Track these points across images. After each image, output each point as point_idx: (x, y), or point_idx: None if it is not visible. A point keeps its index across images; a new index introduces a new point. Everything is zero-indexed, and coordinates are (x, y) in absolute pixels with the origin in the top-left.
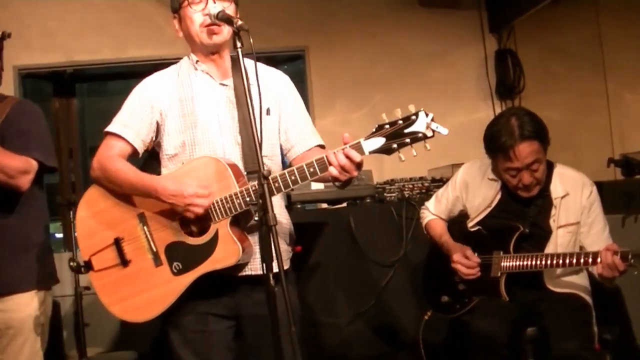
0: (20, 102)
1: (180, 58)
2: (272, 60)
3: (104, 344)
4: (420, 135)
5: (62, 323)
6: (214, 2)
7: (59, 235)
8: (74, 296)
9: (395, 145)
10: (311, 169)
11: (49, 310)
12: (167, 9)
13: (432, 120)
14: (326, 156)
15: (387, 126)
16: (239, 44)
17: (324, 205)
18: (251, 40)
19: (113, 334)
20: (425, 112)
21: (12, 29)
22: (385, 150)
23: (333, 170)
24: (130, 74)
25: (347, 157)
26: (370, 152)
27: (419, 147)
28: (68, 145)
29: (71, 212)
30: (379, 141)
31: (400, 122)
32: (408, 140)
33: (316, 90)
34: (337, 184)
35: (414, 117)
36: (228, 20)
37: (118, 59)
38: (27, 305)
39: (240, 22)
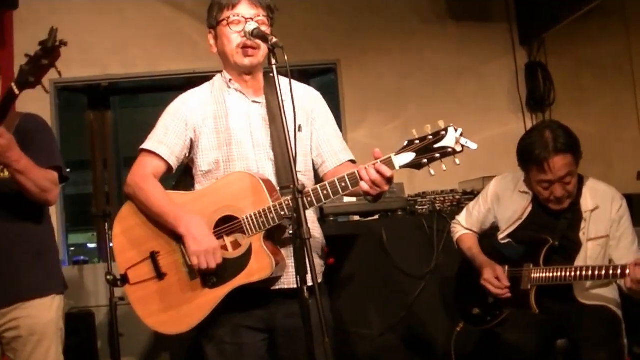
0: (26, 115)
1: (213, 72)
2: (304, 73)
3: (138, 354)
4: (449, 150)
5: (96, 333)
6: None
7: (92, 245)
8: (108, 307)
9: (425, 160)
10: (343, 184)
11: (64, 314)
12: (201, 23)
13: (461, 135)
14: (357, 171)
15: (417, 141)
16: (273, 61)
17: (356, 218)
18: (286, 57)
19: (147, 344)
20: (454, 128)
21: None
22: (416, 165)
23: (364, 185)
24: (164, 87)
25: (378, 172)
26: (401, 167)
27: (448, 161)
28: (102, 157)
29: (106, 224)
30: (410, 156)
31: (430, 137)
32: (438, 155)
33: (348, 103)
34: (368, 198)
35: (443, 133)
36: (263, 38)
37: (152, 72)
38: (48, 309)
39: (275, 40)
